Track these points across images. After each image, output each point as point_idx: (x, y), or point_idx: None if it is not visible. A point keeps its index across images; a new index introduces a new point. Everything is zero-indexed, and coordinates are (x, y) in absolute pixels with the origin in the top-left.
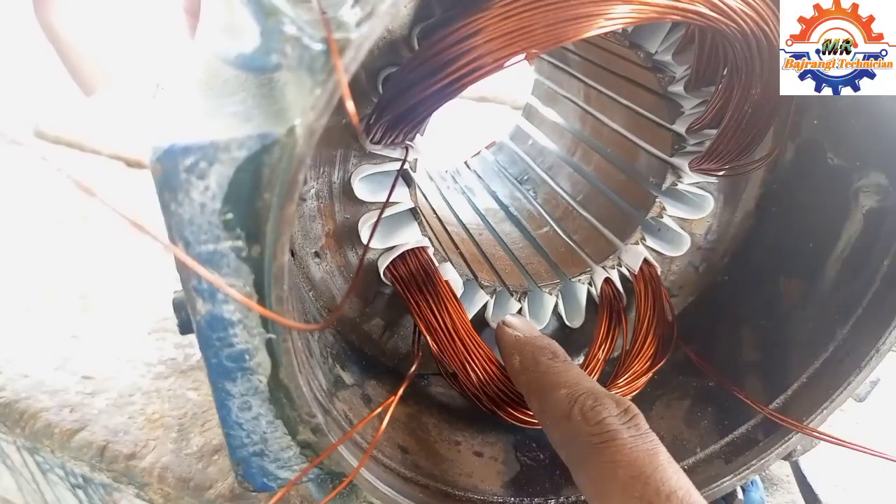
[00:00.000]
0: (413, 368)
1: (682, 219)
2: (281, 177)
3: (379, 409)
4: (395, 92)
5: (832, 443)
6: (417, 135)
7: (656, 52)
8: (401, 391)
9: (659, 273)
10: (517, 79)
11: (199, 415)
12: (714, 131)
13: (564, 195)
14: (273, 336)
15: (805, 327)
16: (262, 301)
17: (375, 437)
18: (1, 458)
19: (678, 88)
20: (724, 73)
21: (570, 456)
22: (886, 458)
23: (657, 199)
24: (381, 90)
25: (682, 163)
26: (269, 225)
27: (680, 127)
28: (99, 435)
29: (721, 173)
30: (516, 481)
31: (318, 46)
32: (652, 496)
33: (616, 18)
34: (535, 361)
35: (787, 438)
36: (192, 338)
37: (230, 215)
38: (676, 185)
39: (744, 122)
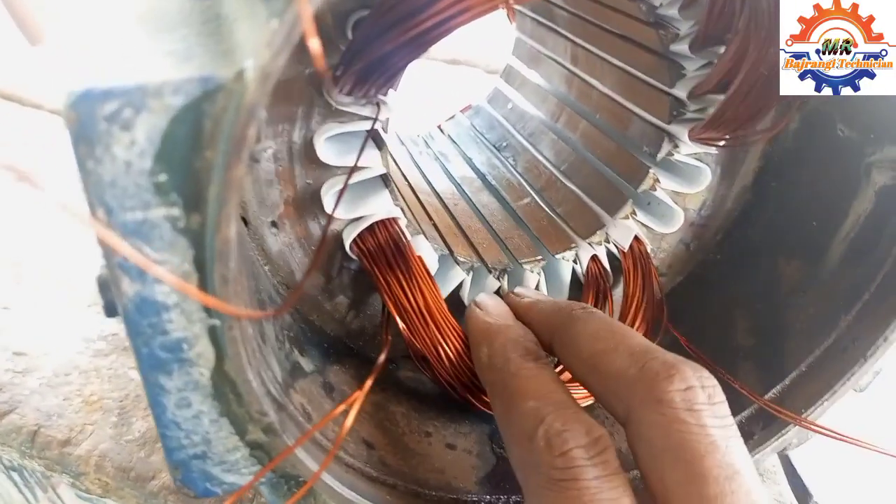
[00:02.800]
0: (382, 357)
1: (675, 192)
2: (226, 131)
3: (342, 406)
4: (368, 37)
5: (837, 439)
6: (390, 90)
7: (660, 4)
8: (368, 384)
9: (649, 250)
10: (492, 41)
11: (142, 397)
12: (719, 96)
13: (547, 164)
14: (217, 322)
15: (805, 312)
16: (203, 280)
17: (339, 436)
18: None
19: (682, 47)
20: (740, 27)
21: (526, 482)
22: (891, 456)
23: (650, 171)
24: (350, 36)
25: (681, 131)
26: (212, 190)
27: (680, 91)
28: (30, 418)
29: (722, 143)
30: (492, 477)
31: None
32: None
33: None
34: (506, 358)
35: (784, 432)
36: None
37: (163, 177)
38: (672, 155)
39: (757, 86)
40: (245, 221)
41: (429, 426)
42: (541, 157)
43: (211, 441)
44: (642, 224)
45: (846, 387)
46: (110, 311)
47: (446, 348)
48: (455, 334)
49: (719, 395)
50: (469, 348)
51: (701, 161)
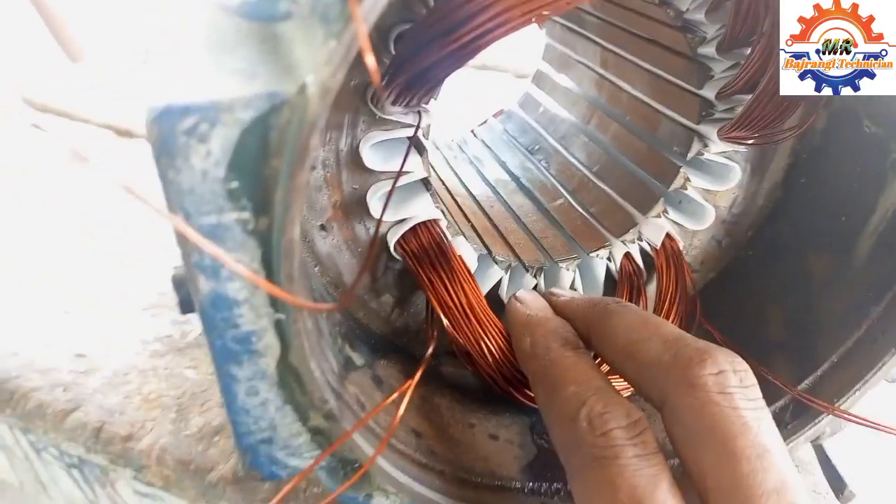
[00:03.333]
0: (430, 351)
1: (706, 190)
2: (291, 141)
3: (395, 395)
4: (410, 52)
5: (868, 426)
6: (432, 99)
7: (687, 9)
8: (418, 375)
9: (681, 247)
10: (520, 45)
11: (198, 394)
12: (747, 97)
13: (579, 166)
14: (282, 316)
15: (836, 305)
16: (270, 278)
17: (392, 424)
18: None
19: (709, 50)
20: (765, 29)
21: (568, 462)
22: None
23: (681, 170)
24: (392, 50)
25: (710, 131)
26: (278, 195)
27: (709, 92)
28: (93, 416)
29: (751, 142)
30: (534, 465)
31: None
32: None
33: None
34: (547, 347)
35: (816, 421)
36: (189, 314)
37: (235, 184)
38: (702, 154)
39: None
40: None
41: (472, 418)
42: (573, 159)
43: (276, 427)
44: (674, 222)
45: (878, 377)
46: (185, 307)
47: (488, 343)
48: (496, 330)
49: (750, 379)
50: (509, 342)
51: (730, 159)
